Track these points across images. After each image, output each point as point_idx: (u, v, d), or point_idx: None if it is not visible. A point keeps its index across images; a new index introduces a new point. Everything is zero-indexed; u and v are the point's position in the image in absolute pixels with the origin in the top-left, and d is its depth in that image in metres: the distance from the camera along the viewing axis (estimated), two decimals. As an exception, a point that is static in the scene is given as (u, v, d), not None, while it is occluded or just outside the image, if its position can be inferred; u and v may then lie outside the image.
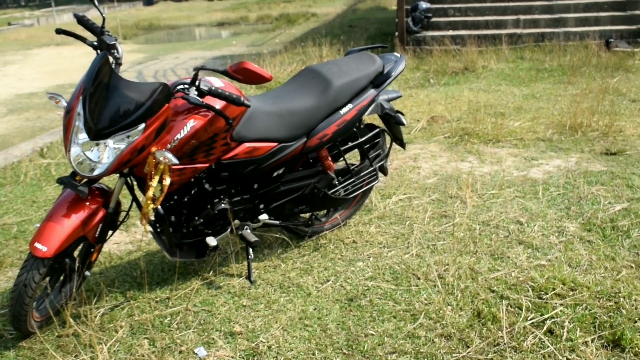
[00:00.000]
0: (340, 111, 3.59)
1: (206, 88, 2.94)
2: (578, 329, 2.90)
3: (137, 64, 13.46)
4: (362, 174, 3.95)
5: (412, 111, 7.00)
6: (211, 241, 3.33)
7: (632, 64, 8.95)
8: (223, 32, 23.49)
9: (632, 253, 3.59)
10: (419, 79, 8.98)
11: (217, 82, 3.09)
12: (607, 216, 4.04)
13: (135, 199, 3.26)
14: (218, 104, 3.04)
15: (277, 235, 3.99)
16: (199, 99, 2.93)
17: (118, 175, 3.06)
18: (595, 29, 10.58)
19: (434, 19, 11.10)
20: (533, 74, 8.80)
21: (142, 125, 2.82)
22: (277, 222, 3.71)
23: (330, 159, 3.77)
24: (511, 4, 11.40)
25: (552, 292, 3.18)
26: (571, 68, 8.79)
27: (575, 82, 8.10)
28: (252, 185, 3.47)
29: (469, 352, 2.79)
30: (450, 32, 10.84)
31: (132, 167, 3.00)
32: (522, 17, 11.02)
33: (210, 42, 18.29)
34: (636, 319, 2.94)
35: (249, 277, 3.53)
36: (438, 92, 8.08)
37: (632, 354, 2.72)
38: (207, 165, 3.17)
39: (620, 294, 3.14)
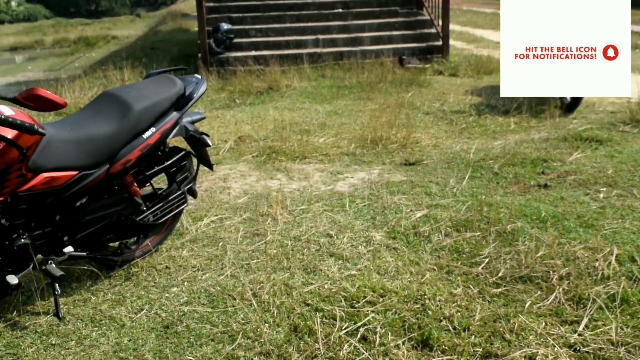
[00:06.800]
0: (142, 135, 3.46)
1: None
2: (389, 333, 3.00)
3: None
4: (170, 198, 3.84)
5: (220, 132, 6.98)
6: (12, 279, 3.07)
7: (423, 79, 9.56)
8: (17, 57, 22.17)
9: (434, 256, 3.81)
10: (224, 99, 8.98)
11: (7, 110, 2.87)
12: (410, 223, 4.25)
13: None
14: (9, 133, 2.83)
15: (86, 267, 3.76)
16: None
17: None
18: (389, 47, 11.19)
19: (236, 40, 11.18)
20: (334, 91, 9.12)
21: None
22: (84, 253, 3.50)
23: (136, 184, 3.63)
24: (310, 24, 11.77)
25: (364, 300, 3.28)
26: (369, 84, 9.20)
27: (374, 98, 8.49)
28: (53, 217, 3.24)
29: (287, 368, 2.81)
30: (253, 53, 10.97)
31: None
32: (321, 36, 11.41)
33: (2, 67, 17.15)
34: (441, 318, 3.10)
35: (57, 314, 3.28)
36: (244, 112, 8.13)
37: (439, 352, 2.86)
38: (1, 199, 2.94)
39: (425, 296, 3.30)
